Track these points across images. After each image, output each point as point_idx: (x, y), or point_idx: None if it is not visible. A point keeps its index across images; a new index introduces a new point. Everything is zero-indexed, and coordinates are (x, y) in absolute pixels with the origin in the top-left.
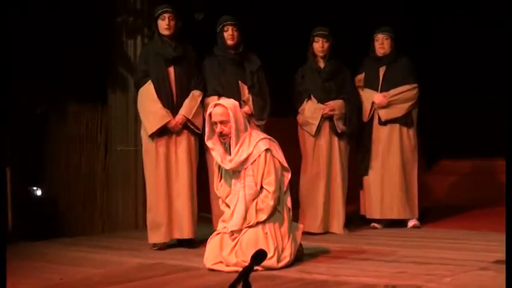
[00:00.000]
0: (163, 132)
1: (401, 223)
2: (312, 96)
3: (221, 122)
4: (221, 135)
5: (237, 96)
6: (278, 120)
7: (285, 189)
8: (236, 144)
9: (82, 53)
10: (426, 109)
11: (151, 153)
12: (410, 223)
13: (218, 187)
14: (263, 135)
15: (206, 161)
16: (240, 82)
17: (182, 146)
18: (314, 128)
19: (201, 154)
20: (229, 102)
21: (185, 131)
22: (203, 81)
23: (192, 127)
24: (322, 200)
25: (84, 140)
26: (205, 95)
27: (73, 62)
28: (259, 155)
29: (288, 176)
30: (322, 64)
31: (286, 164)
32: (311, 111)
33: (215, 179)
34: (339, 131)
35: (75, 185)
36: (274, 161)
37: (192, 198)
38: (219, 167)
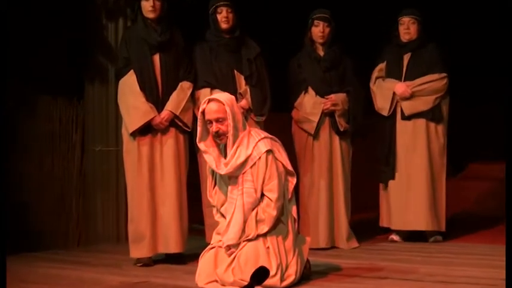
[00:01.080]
0: (146, 130)
1: (422, 236)
2: (310, 88)
3: (217, 120)
4: (217, 135)
5: (232, 89)
6: (273, 115)
7: (289, 196)
8: (233, 145)
9: (55, 38)
10: (452, 103)
11: (132, 154)
12: (431, 237)
13: (212, 194)
14: (264, 134)
15: (197, 163)
16: (235, 72)
17: (169, 146)
18: (313, 126)
19: (192, 155)
20: (225, 97)
21: (172, 129)
22: (193, 71)
23: (180, 124)
24: (325, 209)
25: (57, 139)
26: (196, 87)
27: (44, 49)
28: (260, 157)
29: (293, 181)
30: (321, 52)
31: (290, 168)
32: (309, 106)
33: (208, 184)
34: (341, 129)
35: (46, 191)
36: (277, 163)
37: (181, 206)
38: (213, 171)
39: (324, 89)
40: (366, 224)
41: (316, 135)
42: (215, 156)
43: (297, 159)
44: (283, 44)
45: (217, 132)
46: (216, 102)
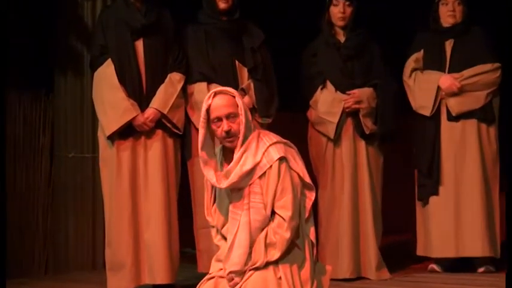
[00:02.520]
0: (127, 132)
1: (469, 265)
2: (328, 82)
3: (228, 116)
4: (228, 135)
5: (233, 83)
6: (281, 115)
7: (306, 215)
8: (239, 148)
9: (19, 20)
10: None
11: (110, 163)
12: (482, 267)
13: (210, 212)
14: (276, 137)
15: (188, 173)
16: (237, 62)
17: (155, 152)
18: (333, 129)
19: (183, 164)
20: (232, 89)
21: (159, 132)
22: (185, 60)
23: (168, 126)
24: (349, 231)
25: (20, 143)
26: (189, 81)
27: (6, 33)
28: (271, 165)
29: (311, 196)
30: (342, 37)
31: (308, 179)
32: (327, 103)
33: (206, 200)
34: (367, 132)
35: (8, 206)
36: (291, 174)
37: (169, 227)
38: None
39: (346, 82)
40: (399, 251)
41: (336, 140)
42: (217, 168)
43: (313, 169)
44: (294, 29)
45: (228, 131)
46: (225, 95)
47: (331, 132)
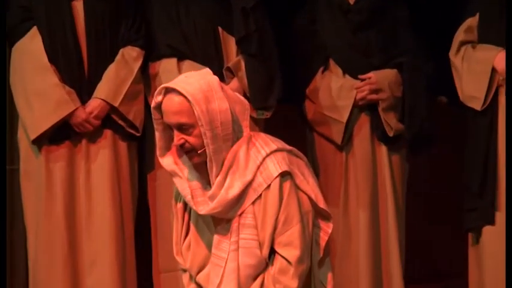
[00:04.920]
0: (61, 134)
1: None
2: (332, 61)
3: (180, 127)
4: (183, 150)
5: (215, 60)
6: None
7: (321, 255)
8: (216, 167)
9: None
10: None
11: (35, 178)
12: None
13: (181, 249)
14: (276, 143)
15: (147, 192)
16: (220, 31)
17: (101, 163)
18: (340, 130)
19: (142, 179)
20: (195, 83)
21: (107, 133)
22: (144, 27)
23: (121, 124)
24: (366, 264)
25: None
26: (152, 57)
27: None
28: (269, 184)
29: (327, 228)
30: None
31: (323, 204)
32: (332, 94)
33: (174, 229)
34: (391, 134)
35: None
36: (299, 197)
37: (122, 270)
38: (184, 207)
39: (357, 62)
40: None
41: (347, 146)
42: (194, 179)
43: (318, 185)
44: None
45: (181, 146)
46: (176, 96)
47: (337, 135)
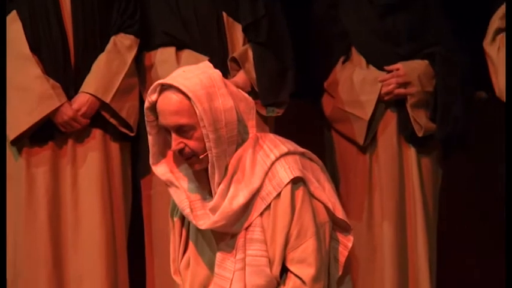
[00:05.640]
0: (45, 134)
1: None
2: (354, 50)
3: (178, 130)
4: (182, 155)
5: (219, 50)
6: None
7: (339, 273)
8: (220, 173)
9: None
10: None
11: (16, 183)
12: None
13: (178, 268)
14: (286, 145)
15: (142, 201)
16: (225, 16)
17: (90, 167)
18: (363, 129)
19: (136, 186)
20: (194, 78)
21: (97, 133)
22: (139, 13)
23: (113, 122)
24: (391, 284)
25: None
26: (148, 46)
27: None
28: (279, 193)
29: (347, 242)
30: None
31: (341, 214)
32: (354, 87)
33: (171, 245)
34: (421, 134)
35: None
36: (314, 206)
37: (114, 285)
38: (182, 220)
39: (383, 51)
40: None
41: (370, 147)
42: (193, 189)
43: (336, 192)
44: None
45: (181, 151)
46: (174, 94)
47: (359, 134)
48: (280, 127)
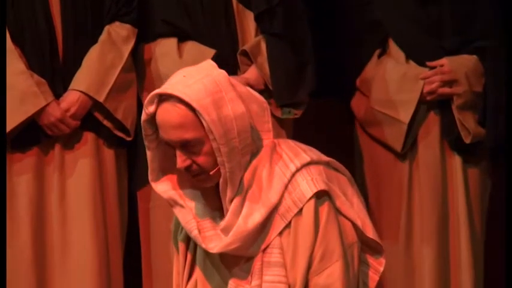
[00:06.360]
0: (29, 138)
1: None
2: (391, 42)
3: (184, 146)
4: (190, 174)
5: (227, 42)
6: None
7: None
8: (233, 188)
9: None
10: None
11: None
12: None
13: None
14: (309, 153)
15: (138, 217)
16: (234, 3)
17: (80, 177)
18: (401, 133)
19: (132, 198)
20: (195, 83)
21: (89, 136)
22: (136, 1)
23: (107, 124)
24: None
25: None
26: (147, 37)
27: None
28: (301, 208)
29: (378, 266)
30: None
31: (372, 233)
32: (391, 85)
33: (174, 271)
34: (468, 141)
35: None
36: (341, 224)
37: None
38: (187, 242)
39: (425, 44)
40: None
41: (409, 154)
42: (200, 207)
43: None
44: None
45: (188, 168)
46: (175, 105)
47: (397, 140)
48: (298, 131)
